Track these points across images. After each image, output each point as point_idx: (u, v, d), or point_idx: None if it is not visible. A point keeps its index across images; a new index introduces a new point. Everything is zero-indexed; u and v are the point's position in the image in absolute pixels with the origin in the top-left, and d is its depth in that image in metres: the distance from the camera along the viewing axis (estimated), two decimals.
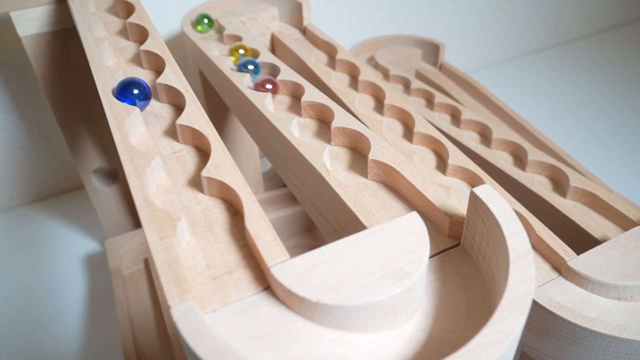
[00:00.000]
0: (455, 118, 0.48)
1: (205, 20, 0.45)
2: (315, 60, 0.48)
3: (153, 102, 0.28)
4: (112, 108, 0.25)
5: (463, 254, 0.22)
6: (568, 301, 0.27)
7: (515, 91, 0.85)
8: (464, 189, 0.33)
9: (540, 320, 0.26)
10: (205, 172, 0.22)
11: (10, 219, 0.63)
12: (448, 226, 0.23)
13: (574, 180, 0.37)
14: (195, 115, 0.25)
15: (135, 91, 0.27)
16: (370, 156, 0.26)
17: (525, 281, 0.17)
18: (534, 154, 0.40)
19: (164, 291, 0.17)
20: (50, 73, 0.44)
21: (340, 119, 0.29)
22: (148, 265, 0.50)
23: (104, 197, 0.52)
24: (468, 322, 0.19)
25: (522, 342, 0.29)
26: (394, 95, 0.40)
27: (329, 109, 0.31)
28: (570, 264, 0.28)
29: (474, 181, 0.33)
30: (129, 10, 0.36)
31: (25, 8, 0.41)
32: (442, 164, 0.35)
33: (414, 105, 0.51)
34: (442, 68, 0.62)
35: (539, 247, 0.30)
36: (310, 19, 0.52)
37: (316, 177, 0.26)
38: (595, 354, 0.25)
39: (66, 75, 0.45)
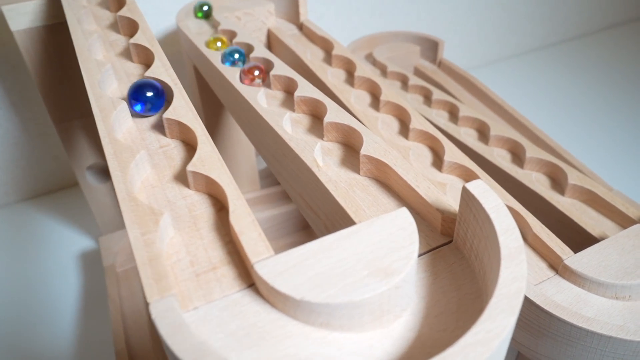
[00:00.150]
0: (453, 115, 0.47)
1: (205, 8, 0.45)
2: (311, 56, 0.47)
3: None
4: (99, 101, 0.25)
5: (455, 252, 0.21)
6: (564, 300, 0.26)
7: (516, 89, 0.84)
8: (460, 186, 0.32)
9: (536, 319, 0.26)
10: (190, 167, 0.21)
11: (5, 215, 0.63)
12: (440, 223, 0.22)
13: (573, 177, 0.36)
14: (183, 109, 0.25)
15: (149, 93, 0.25)
16: (362, 151, 0.26)
17: (517, 279, 0.16)
18: (532, 151, 0.39)
19: (143, 288, 0.17)
20: (43, 68, 0.44)
21: (333, 114, 0.29)
22: None
23: (99, 193, 0.52)
24: (459, 321, 0.18)
25: (518, 343, 0.28)
26: (390, 91, 0.40)
27: (321, 104, 0.30)
28: (567, 262, 0.27)
29: (470, 178, 0.33)
30: (121, 3, 0.36)
31: (17, 2, 0.41)
32: (438, 161, 0.34)
33: (412, 102, 0.50)
34: (441, 65, 0.61)
35: (536, 245, 0.29)
36: (307, 15, 0.52)
37: (307, 172, 0.26)
38: (592, 355, 0.25)
39: (59, 70, 0.44)
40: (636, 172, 0.65)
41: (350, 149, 0.28)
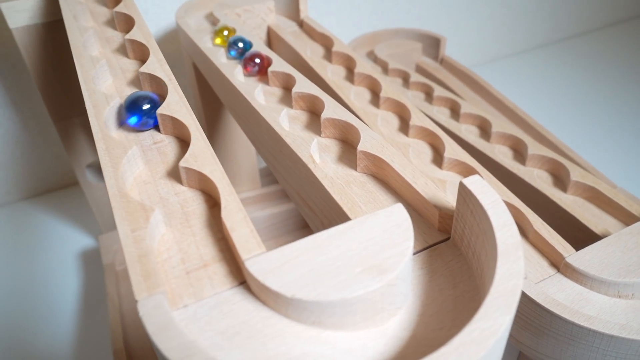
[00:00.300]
0: (455, 112, 0.47)
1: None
2: (311, 53, 0.47)
3: None
4: (92, 97, 0.25)
5: (453, 249, 0.21)
6: (566, 299, 0.26)
7: (518, 86, 0.83)
8: None
9: (537, 318, 0.25)
10: (183, 163, 0.21)
11: (7, 214, 0.63)
12: (438, 219, 0.22)
13: (575, 174, 0.35)
14: (177, 105, 0.24)
15: (146, 106, 0.24)
16: (360, 147, 0.25)
17: (513, 276, 0.15)
18: (534, 148, 0.38)
19: (132, 285, 0.16)
20: (42, 65, 0.44)
21: (330, 110, 0.28)
22: None
23: (98, 192, 0.52)
24: (455, 320, 0.18)
25: (519, 342, 0.28)
26: (390, 87, 0.39)
27: (319, 100, 0.30)
28: (568, 260, 0.27)
29: (470, 175, 0.32)
30: (119, 0, 0.36)
31: None
32: (438, 158, 0.34)
33: (413, 99, 0.50)
34: (443, 62, 0.61)
35: (537, 243, 0.29)
36: (307, 12, 0.51)
37: (303, 169, 0.25)
38: (594, 354, 0.24)
39: (58, 67, 0.44)
40: None
41: (348, 145, 0.28)
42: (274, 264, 0.17)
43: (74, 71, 0.45)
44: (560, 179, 0.37)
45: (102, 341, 0.45)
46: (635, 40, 0.95)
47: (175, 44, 0.62)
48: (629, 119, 0.74)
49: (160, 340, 0.15)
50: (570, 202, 0.35)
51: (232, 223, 0.18)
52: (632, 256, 0.27)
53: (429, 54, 0.62)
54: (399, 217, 0.18)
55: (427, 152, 0.35)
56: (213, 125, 0.53)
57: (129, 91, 0.27)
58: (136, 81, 0.28)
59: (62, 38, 0.43)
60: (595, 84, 0.83)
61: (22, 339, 0.47)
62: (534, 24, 0.91)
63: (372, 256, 0.17)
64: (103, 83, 0.27)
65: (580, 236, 0.33)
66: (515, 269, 0.16)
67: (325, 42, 0.47)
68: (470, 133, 0.43)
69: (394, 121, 0.38)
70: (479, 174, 0.32)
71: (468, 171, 0.32)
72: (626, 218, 0.33)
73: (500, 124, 0.42)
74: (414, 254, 0.20)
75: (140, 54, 0.30)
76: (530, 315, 0.25)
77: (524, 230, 0.30)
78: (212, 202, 0.21)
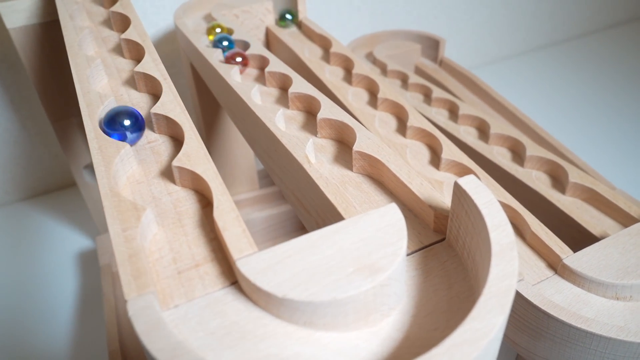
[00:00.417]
0: (453, 113, 0.46)
1: (288, 16, 0.44)
2: (310, 54, 0.47)
3: (132, 92, 0.27)
4: (86, 96, 0.24)
5: (448, 249, 0.21)
6: (563, 301, 0.26)
7: (519, 88, 0.83)
8: None
9: (534, 320, 0.25)
10: (176, 162, 0.21)
11: (5, 214, 0.63)
12: (433, 220, 0.21)
13: (574, 175, 0.35)
14: (171, 104, 0.24)
15: (126, 122, 0.23)
16: (355, 147, 0.25)
17: (507, 277, 0.15)
18: (532, 149, 0.38)
19: (122, 285, 0.16)
20: (39, 66, 0.44)
21: (327, 110, 0.28)
22: None
23: (96, 193, 0.51)
24: (449, 320, 0.18)
25: (516, 344, 0.27)
26: (388, 88, 0.39)
27: (316, 101, 0.30)
28: (566, 261, 0.26)
29: None
30: (115, 0, 0.36)
31: None
32: (435, 159, 0.34)
33: (412, 101, 0.49)
34: (442, 64, 0.61)
35: (534, 244, 0.28)
36: (306, 13, 0.51)
37: (298, 169, 0.25)
38: (592, 357, 0.24)
39: (56, 67, 0.44)
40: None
41: (344, 145, 0.28)
42: (265, 263, 0.17)
43: (71, 71, 0.45)
44: (559, 181, 0.37)
45: (98, 342, 0.45)
46: (634, 42, 0.95)
47: (174, 45, 0.62)
48: (628, 121, 0.74)
49: (149, 340, 0.14)
50: (568, 203, 0.35)
51: (224, 222, 0.18)
52: (630, 258, 0.26)
53: (428, 56, 0.61)
54: (392, 217, 0.18)
55: (424, 153, 0.35)
56: (211, 126, 0.53)
57: (124, 91, 0.27)
58: (131, 81, 0.28)
59: (59, 38, 0.43)
60: (595, 86, 0.83)
61: (19, 339, 0.47)
62: (533, 25, 0.91)
63: (364, 256, 0.17)
64: (98, 83, 0.27)
65: (579, 238, 0.33)
66: (510, 270, 0.16)
67: (324, 43, 0.47)
68: (468, 134, 0.43)
69: (392, 122, 0.38)
70: (476, 175, 0.31)
71: (465, 172, 0.32)
72: (625, 220, 0.33)
73: (498, 126, 0.42)
74: (409, 254, 0.20)
75: (136, 53, 0.30)
76: (527, 317, 0.25)
77: (522, 231, 0.29)
78: (205, 202, 0.21)
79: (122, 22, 0.33)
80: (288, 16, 0.43)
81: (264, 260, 0.17)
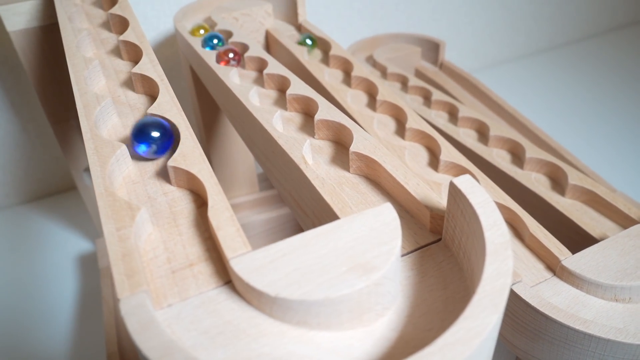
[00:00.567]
0: (453, 115, 0.46)
1: (308, 41, 0.44)
2: (309, 56, 0.47)
3: (129, 93, 0.27)
4: (83, 97, 0.24)
5: (444, 250, 0.21)
6: (562, 302, 0.25)
7: (520, 91, 0.83)
8: None
9: (532, 322, 0.25)
10: (171, 162, 0.21)
11: (6, 217, 0.63)
12: (429, 220, 0.21)
13: (573, 177, 0.35)
14: (168, 105, 0.24)
15: (155, 134, 0.22)
16: (352, 148, 0.25)
17: (501, 276, 0.15)
18: (532, 152, 0.38)
19: (115, 284, 0.16)
20: (39, 68, 0.44)
21: (324, 112, 0.28)
22: None
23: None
24: (445, 321, 0.17)
25: (514, 346, 0.27)
26: (387, 90, 0.39)
27: (313, 102, 0.30)
28: (564, 263, 0.26)
29: None
30: (113, 1, 0.36)
31: (13, 2, 0.41)
32: (434, 161, 0.34)
33: (411, 103, 0.49)
34: (442, 66, 0.61)
35: (533, 246, 0.28)
36: (306, 15, 0.51)
37: (295, 170, 0.25)
38: (590, 359, 0.24)
39: (56, 70, 0.44)
40: None
41: (342, 147, 0.28)
42: (259, 263, 0.16)
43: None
44: (559, 183, 0.37)
45: (98, 344, 0.45)
46: (635, 46, 0.95)
47: (174, 48, 0.62)
48: (629, 124, 0.74)
49: (141, 339, 0.14)
50: (568, 205, 0.35)
51: (218, 222, 0.18)
52: (629, 259, 0.26)
53: (428, 59, 0.61)
54: (387, 217, 0.18)
55: (423, 155, 0.34)
56: (211, 129, 0.53)
57: (122, 92, 0.27)
58: (129, 82, 0.28)
59: (59, 41, 0.43)
60: (596, 89, 0.83)
61: (19, 340, 0.47)
62: (534, 29, 0.91)
63: (358, 255, 0.16)
64: (96, 84, 0.27)
65: (578, 240, 0.33)
66: (504, 269, 0.15)
67: (323, 46, 0.47)
68: (468, 137, 0.43)
69: (391, 124, 0.38)
70: (475, 176, 0.31)
71: (464, 174, 0.32)
72: (625, 222, 0.33)
73: (498, 128, 0.42)
74: (405, 255, 0.20)
75: (134, 55, 0.30)
76: (526, 319, 0.25)
77: (520, 233, 0.29)
78: (201, 202, 0.21)
79: (121, 24, 0.33)
80: (308, 41, 0.43)
81: (257, 259, 0.17)
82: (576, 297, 0.26)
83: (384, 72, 0.55)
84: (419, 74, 0.60)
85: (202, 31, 0.41)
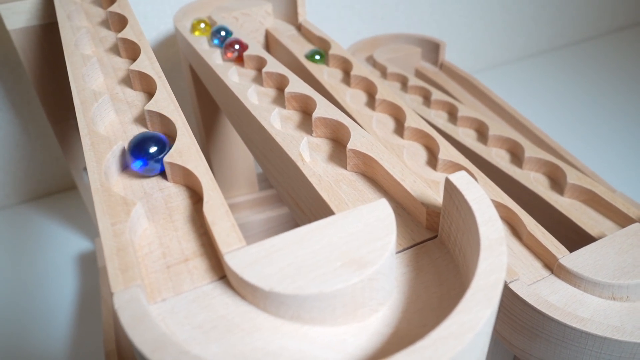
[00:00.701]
0: (452, 115, 0.46)
1: (317, 57, 0.43)
2: None
3: (127, 90, 0.27)
4: (81, 94, 0.25)
5: (440, 246, 0.20)
6: (559, 301, 0.25)
7: (521, 93, 0.83)
8: None
9: (530, 320, 0.25)
10: (167, 158, 0.21)
11: (6, 217, 0.63)
12: (425, 217, 0.21)
13: (572, 177, 0.35)
14: (165, 101, 0.24)
15: (153, 149, 0.21)
16: (349, 146, 0.25)
17: (495, 271, 0.15)
18: (531, 151, 0.38)
19: (109, 278, 0.16)
20: (39, 67, 0.44)
21: (322, 110, 0.28)
22: None
23: None
24: (439, 317, 0.17)
25: (512, 345, 0.27)
26: (386, 90, 0.39)
27: (311, 100, 0.30)
28: (562, 261, 0.26)
29: None
30: (113, 1, 0.36)
31: (14, 0, 0.41)
32: (433, 160, 0.34)
33: (411, 103, 0.49)
34: (442, 67, 0.61)
35: (531, 244, 0.28)
36: (306, 15, 0.51)
37: (292, 167, 0.25)
38: (587, 357, 0.24)
39: (56, 69, 0.44)
40: None
41: (339, 144, 0.28)
42: (253, 257, 0.16)
43: None
44: (558, 182, 0.37)
45: (96, 342, 0.45)
46: (634, 48, 0.95)
47: (175, 48, 0.62)
48: (630, 126, 0.74)
49: (134, 332, 0.14)
50: (567, 205, 0.35)
51: (213, 217, 0.18)
52: (626, 258, 0.26)
53: (428, 59, 0.61)
54: (382, 212, 0.18)
55: (422, 154, 0.34)
56: (211, 129, 0.53)
57: (120, 89, 0.27)
58: (127, 79, 0.28)
59: (59, 40, 0.43)
60: (597, 91, 0.83)
61: (18, 339, 0.47)
62: (534, 30, 0.91)
63: (353, 250, 0.16)
64: (94, 81, 0.27)
65: (577, 239, 0.33)
66: (498, 264, 0.15)
67: (323, 45, 0.47)
68: (467, 136, 0.43)
69: (390, 123, 0.38)
70: (473, 175, 0.31)
71: None
72: (623, 221, 0.33)
73: (497, 127, 0.42)
74: (400, 251, 0.20)
75: (132, 52, 0.30)
76: (523, 318, 0.25)
77: (518, 232, 0.29)
78: (197, 198, 0.21)
79: (120, 22, 0.33)
80: (317, 57, 0.43)
81: (252, 254, 0.17)
82: (573, 295, 0.26)
83: (383, 72, 0.55)
84: (419, 75, 0.60)
85: (202, 25, 0.41)
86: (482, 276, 0.15)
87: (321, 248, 0.17)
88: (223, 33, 0.38)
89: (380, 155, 0.24)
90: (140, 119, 0.25)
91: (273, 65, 0.35)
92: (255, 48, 0.39)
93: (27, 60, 0.43)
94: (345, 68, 0.45)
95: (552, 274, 0.27)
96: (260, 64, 0.37)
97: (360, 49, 0.61)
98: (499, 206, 0.30)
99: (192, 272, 0.18)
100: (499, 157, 0.40)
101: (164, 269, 0.18)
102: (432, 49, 0.61)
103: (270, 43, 0.50)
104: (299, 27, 0.51)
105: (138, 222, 0.19)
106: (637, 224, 0.28)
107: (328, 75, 0.44)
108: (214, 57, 0.38)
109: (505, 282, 0.25)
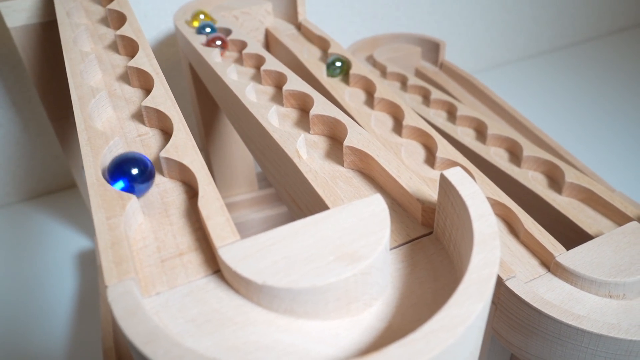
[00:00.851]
0: (451, 114, 0.46)
1: (338, 63, 0.42)
2: (308, 54, 0.47)
3: (125, 87, 0.27)
4: (78, 89, 0.25)
5: (435, 242, 0.21)
6: (556, 298, 0.25)
7: (522, 93, 0.83)
8: None
9: (526, 318, 0.25)
10: (163, 153, 0.21)
11: (6, 215, 0.63)
12: (421, 213, 0.21)
13: (570, 176, 0.35)
14: (162, 97, 0.24)
15: (134, 171, 0.20)
16: (346, 142, 0.25)
17: (488, 265, 0.15)
18: (529, 150, 0.38)
19: (103, 272, 0.16)
20: (39, 65, 0.44)
21: (319, 107, 0.28)
22: None
23: None
24: (433, 312, 0.17)
25: (509, 343, 0.27)
26: (384, 88, 0.39)
27: (309, 98, 0.30)
28: (559, 259, 0.26)
29: None
30: None
31: None
32: (431, 158, 0.34)
33: (411, 102, 0.49)
34: (442, 67, 0.61)
35: (528, 242, 0.28)
36: (306, 14, 0.51)
37: (289, 164, 0.25)
38: (583, 354, 0.24)
39: (56, 67, 0.45)
40: None
41: (337, 142, 0.28)
42: (247, 251, 0.17)
43: None
44: (556, 181, 0.37)
45: (95, 340, 0.45)
46: (634, 49, 0.95)
47: (176, 48, 0.62)
48: (630, 126, 0.74)
49: (127, 324, 0.14)
50: (565, 203, 0.35)
51: (208, 211, 0.18)
52: (623, 256, 0.26)
53: (428, 59, 0.61)
54: (376, 207, 0.18)
55: (420, 152, 0.34)
56: (211, 128, 0.53)
57: (118, 86, 0.27)
58: (125, 76, 0.28)
59: (59, 38, 0.43)
60: (597, 92, 0.82)
61: (18, 336, 0.47)
62: (535, 31, 0.90)
63: (346, 244, 0.16)
64: (92, 77, 0.27)
65: (575, 238, 0.33)
66: (491, 258, 0.15)
67: (322, 44, 0.47)
68: (466, 135, 0.43)
69: (388, 122, 0.38)
70: (470, 173, 0.31)
71: None
72: (621, 220, 0.33)
73: (496, 126, 0.42)
74: (396, 247, 0.20)
75: (131, 49, 0.30)
76: (520, 316, 0.25)
77: (515, 229, 0.29)
78: (192, 193, 0.21)
79: (119, 20, 0.33)
80: (338, 63, 0.41)
81: (245, 248, 0.17)
82: (570, 293, 0.26)
83: (383, 72, 0.55)
84: (420, 74, 0.60)
85: (202, 16, 0.42)
86: (474, 270, 0.15)
87: (315, 242, 0.17)
88: (208, 30, 0.40)
89: (376, 152, 0.24)
90: (138, 115, 0.25)
91: (271, 64, 0.35)
92: (255, 46, 0.39)
93: (27, 58, 0.43)
94: (345, 67, 0.45)
95: (549, 272, 0.27)
96: (259, 62, 0.37)
97: (360, 48, 0.61)
98: (497, 204, 0.30)
99: (187, 266, 0.18)
100: (498, 156, 0.40)
101: (159, 263, 0.18)
102: (432, 49, 0.61)
103: (270, 42, 0.51)
104: (299, 26, 0.51)
105: (133, 216, 0.19)
106: (634, 222, 0.28)
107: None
108: (213, 55, 0.38)
109: (502, 279, 0.25)
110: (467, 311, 0.14)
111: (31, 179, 0.64)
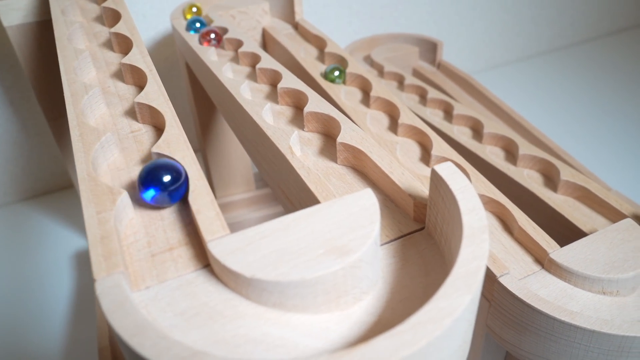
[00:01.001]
0: (448, 114, 0.46)
1: (337, 73, 0.41)
2: (305, 54, 0.47)
3: (119, 84, 0.27)
4: (71, 86, 0.25)
5: (427, 238, 0.20)
6: (549, 295, 0.25)
7: (520, 94, 0.83)
8: None
9: (520, 315, 0.25)
10: (155, 148, 0.21)
11: (4, 215, 0.63)
12: (413, 209, 0.21)
13: (566, 174, 0.35)
14: (155, 94, 0.24)
15: (167, 178, 0.19)
16: (339, 139, 0.25)
17: (477, 258, 0.15)
18: (525, 149, 0.38)
19: (92, 266, 0.16)
20: (35, 64, 0.44)
21: (313, 104, 0.28)
22: None
23: None
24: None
25: (503, 340, 0.27)
26: (380, 87, 0.39)
27: (304, 95, 0.30)
28: (552, 256, 0.26)
29: None
30: None
31: None
32: (426, 156, 0.34)
33: (407, 102, 0.49)
34: (440, 66, 0.61)
35: (522, 239, 0.28)
36: (303, 14, 0.51)
37: (282, 160, 0.25)
38: (576, 350, 0.24)
39: (52, 66, 0.45)
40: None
41: (330, 139, 0.28)
42: (236, 245, 0.16)
43: None
44: (551, 179, 0.37)
45: (91, 339, 0.45)
46: (633, 50, 0.95)
47: (173, 48, 0.62)
48: (629, 127, 0.74)
49: (114, 318, 0.14)
50: (560, 201, 0.35)
51: (198, 206, 0.18)
52: (617, 253, 0.26)
53: (426, 59, 0.62)
54: (366, 202, 0.18)
55: (415, 150, 0.34)
56: (208, 127, 0.53)
57: (111, 83, 0.27)
58: (119, 73, 0.28)
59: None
60: (597, 92, 0.82)
61: (14, 335, 0.47)
62: (534, 31, 0.91)
63: (336, 238, 0.16)
64: (86, 74, 0.28)
65: (570, 235, 0.33)
66: (480, 252, 0.15)
67: (319, 44, 0.47)
68: (462, 134, 0.43)
69: (384, 120, 0.38)
70: (465, 170, 0.31)
71: None
72: (616, 217, 0.33)
73: (492, 125, 0.42)
74: (387, 242, 0.20)
75: (125, 47, 0.30)
76: (514, 312, 0.25)
77: (509, 226, 0.29)
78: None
79: (114, 18, 0.33)
80: (336, 72, 0.41)
81: (235, 242, 0.17)
82: (564, 289, 0.26)
83: (380, 71, 0.55)
84: (417, 74, 0.60)
85: (194, 9, 0.42)
86: (463, 263, 0.15)
87: (305, 236, 0.17)
88: (198, 25, 0.40)
89: (369, 148, 0.24)
90: (131, 112, 0.25)
91: (267, 62, 0.35)
92: (250, 45, 0.39)
93: (24, 57, 0.44)
94: (341, 66, 0.45)
95: (542, 269, 0.27)
96: (254, 60, 0.37)
97: (358, 48, 0.62)
98: (491, 202, 0.30)
99: (177, 260, 0.18)
100: (494, 155, 0.40)
101: (149, 257, 0.18)
102: (429, 49, 0.61)
103: (267, 41, 0.51)
104: (296, 26, 0.51)
105: (124, 211, 0.19)
106: (628, 219, 0.28)
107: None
108: (209, 54, 0.38)
109: (496, 276, 0.24)
110: (454, 303, 0.14)
111: (29, 179, 0.64)
